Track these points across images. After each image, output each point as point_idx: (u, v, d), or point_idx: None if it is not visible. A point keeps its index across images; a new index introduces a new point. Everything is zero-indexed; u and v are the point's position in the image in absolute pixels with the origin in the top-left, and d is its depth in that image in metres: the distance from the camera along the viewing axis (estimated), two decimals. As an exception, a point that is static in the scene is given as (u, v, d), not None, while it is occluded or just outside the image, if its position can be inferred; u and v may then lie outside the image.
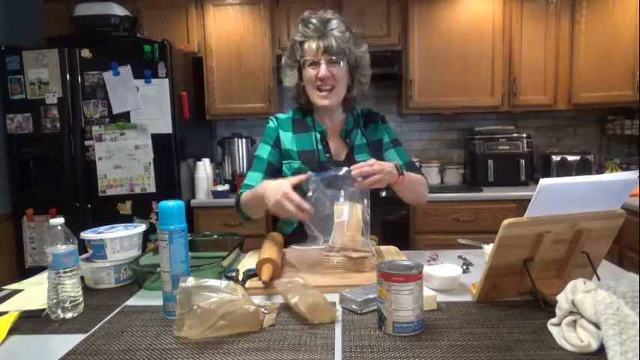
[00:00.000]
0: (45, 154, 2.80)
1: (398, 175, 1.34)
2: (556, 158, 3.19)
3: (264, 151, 1.56)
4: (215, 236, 1.60)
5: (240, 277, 1.20)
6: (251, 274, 1.21)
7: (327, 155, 1.54)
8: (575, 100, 3.10)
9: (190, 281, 0.95)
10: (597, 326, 0.82)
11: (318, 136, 1.55)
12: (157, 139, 2.80)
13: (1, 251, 2.83)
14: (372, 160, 1.29)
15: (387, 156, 1.61)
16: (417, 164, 3.34)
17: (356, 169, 1.26)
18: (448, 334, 0.91)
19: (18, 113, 2.79)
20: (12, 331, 0.98)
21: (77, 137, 2.81)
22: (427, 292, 1.04)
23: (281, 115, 1.63)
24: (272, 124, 1.60)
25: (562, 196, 1.01)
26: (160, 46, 2.75)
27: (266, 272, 1.16)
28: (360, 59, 1.51)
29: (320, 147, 1.54)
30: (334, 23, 1.44)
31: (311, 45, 1.44)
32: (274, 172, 1.54)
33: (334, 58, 1.44)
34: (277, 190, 1.25)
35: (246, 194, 1.47)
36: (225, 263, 1.26)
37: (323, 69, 1.44)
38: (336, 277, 1.23)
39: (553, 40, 3.09)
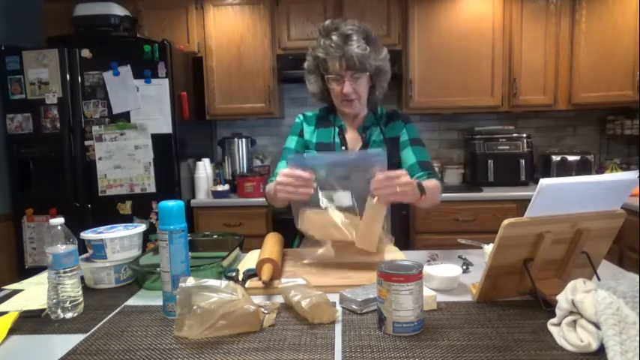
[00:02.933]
0: (45, 154, 2.80)
1: (420, 195, 1.32)
2: (556, 158, 3.19)
3: (291, 141, 1.67)
4: (215, 236, 1.60)
5: (240, 277, 1.20)
6: (251, 274, 1.21)
7: (343, 148, 1.61)
8: (575, 100, 3.10)
9: (190, 281, 0.95)
10: (597, 326, 0.82)
11: (337, 130, 1.63)
12: (157, 139, 2.80)
13: (1, 251, 2.83)
14: (400, 172, 1.23)
15: (403, 155, 1.62)
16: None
17: (385, 189, 1.21)
18: (448, 334, 0.91)
19: (18, 113, 2.79)
20: (12, 331, 0.98)
21: (77, 137, 2.81)
22: (427, 292, 1.04)
23: (308, 113, 1.72)
24: (298, 119, 1.70)
25: (562, 196, 1.01)
26: (160, 46, 2.75)
27: (266, 272, 1.16)
28: (380, 67, 1.54)
29: (337, 140, 1.61)
30: (354, 39, 1.45)
31: (333, 63, 1.48)
32: None
33: (356, 74, 1.49)
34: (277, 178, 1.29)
35: (269, 187, 1.52)
36: (225, 263, 1.26)
37: (347, 86, 1.50)
38: (336, 277, 1.24)
39: (553, 40, 3.09)
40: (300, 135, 1.67)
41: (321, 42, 1.50)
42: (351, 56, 1.45)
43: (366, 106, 1.64)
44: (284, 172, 1.28)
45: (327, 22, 1.52)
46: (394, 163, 1.60)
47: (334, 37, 1.46)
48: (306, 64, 1.59)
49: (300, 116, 1.71)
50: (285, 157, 1.64)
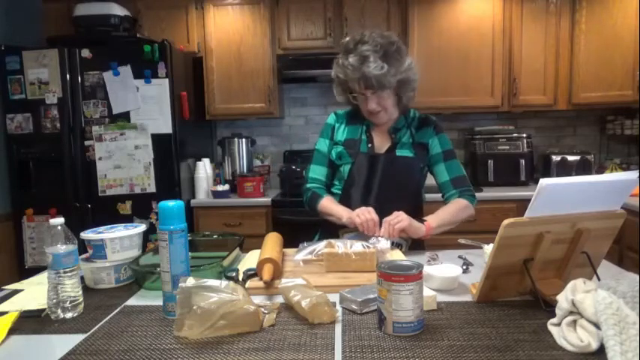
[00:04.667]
0: (45, 154, 2.80)
1: (426, 229, 1.48)
2: (556, 158, 3.19)
3: (323, 144, 1.70)
4: (215, 236, 1.60)
5: (240, 277, 1.20)
6: (251, 273, 1.21)
7: (369, 145, 1.63)
8: (575, 100, 3.10)
9: (190, 281, 0.95)
10: (597, 326, 0.82)
11: (365, 127, 1.65)
12: (156, 139, 2.80)
13: (1, 251, 2.83)
14: (398, 217, 1.43)
15: (436, 170, 1.66)
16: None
17: (385, 232, 1.41)
18: (448, 334, 0.91)
19: (18, 113, 2.79)
20: (12, 331, 0.98)
21: (77, 137, 2.81)
22: (427, 292, 1.04)
23: (340, 111, 1.73)
24: (331, 119, 1.72)
25: (562, 196, 1.01)
26: (159, 46, 2.75)
27: (267, 272, 1.16)
28: (403, 79, 1.54)
29: (364, 137, 1.64)
30: (371, 60, 1.46)
31: (354, 84, 1.51)
32: (332, 164, 1.68)
33: (378, 91, 1.51)
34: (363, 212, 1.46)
35: (322, 206, 1.61)
36: (225, 263, 1.26)
37: (371, 104, 1.53)
38: (336, 277, 1.24)
39: (553, 40, 3.09)
40: (332, 138, 1.69)
41: (340, 62, 1.53)
42: (369, 78, 1.47)
43: (397, 110, 1.64)
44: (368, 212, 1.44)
45: (348, 39, 1.54)
46: (420, 167, 1.64)
47: (351, 60, 1.48)
48: (332, 74, 1.60)
49: (333, 116, 1.72)
50: (320, 162, 1.69)
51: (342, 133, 1.67)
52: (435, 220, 1.52)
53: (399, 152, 1.61)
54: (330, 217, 1.59)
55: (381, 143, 1.64)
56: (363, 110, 1.59)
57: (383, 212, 1.46)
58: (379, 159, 1.60)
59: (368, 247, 1.30)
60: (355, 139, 1.64)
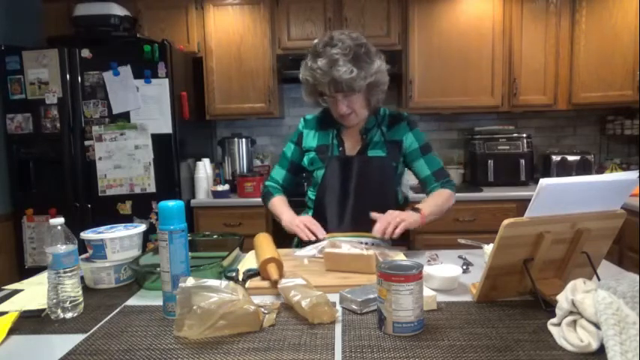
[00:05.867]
0: (45, 154, 2.80)
1: (420, 218, 1.47)
2: (556, 158, 3.19)
3: (288, 149, 1.74)
4: (215, 236, 1.60)
5: (240, 277, 1.20)
6: (251, 274, 1.21)
7: (340, 149, 1.63)
8: (575, 100, 3.10)
9: (190, 281, 0.95)
10: (597, 326, 0.82)
11: (335, 131, 1.65)
12: (157, 139, 2.80)
13: (1, 251, 2.83)
14: (392, 215, 1.42)
15: (416, 167, 1.65)
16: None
17: (379, 232, 1.39)
18: (448, 334, 0.91)
19: (18, 113, 2.79)
20: (12, 331, 0.98)
21: (77, 137, 2.81)
22: (427, 292, 1.04)
23: (309, 116, 1.74)
24: (300, 125, 1.74)
25: (562, 196, 1.01)
26: (159, 46, 2.75)
27: (274, 271, 1.16)
28: (373, 82, 1.52)
29: (335, 142, 1.63)
30: (340, 64, 1.44)
31: (323, 87, 1.50)
32: (296, 168, 1.73)
33: (348, 93, 1.50)
34: (292, 221, 1.54)
35: (272, 204, 1.69)
36: (225, 263, 1.26)
37: (341, 107, 1.53)
38: (336, 277, 1.24)
39: (553, 40, 3.09)
40: (298, 143, 1.70)
41: (308, 65, 1.51)
42: (338, 82, 1.45)
43: (367, 111, 1.62)
44: (305, 221, 1.50)
45: (317, 41, 1.52)
46: (393, 166, 1.62)
47: (320, 63, 1.46)
48: (300, 76, 1.57)
49: (302, 121, 1.73)
50: (281, 164, 1.75)
51: (312, 140, 1.67)
52: (427, 208, 1.52)
53: (370, 152, 1.60)
54: (275, 217, 1.66)
55: (353, 145, 1.63)
56: (334, 113, 1.58)
57: (362, 214, 1.46)
58: (351, 161, 1.59)
59: (368, 249, 1.30)
60: (327, 145, 1.64)
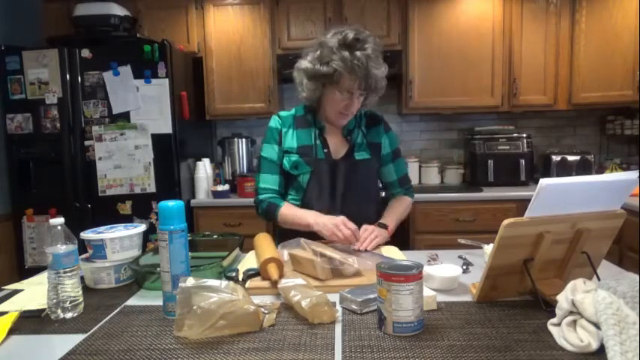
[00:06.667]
0: (45, 154, 2.80)
1: (387, 233, 1.54)
2: (556, 158, 3.19)
3: (272, 151, 1.59)
4: (215, 236, 1.60)
5: (240, 277, 1.20)
6: (251, 274, 1.21)
7: (325, 151, 1.57)
8: (575, 100, 3.10)
9: (190, 281, 0.95)
10: (597, 326, 0.82)
11: (317, 131, 1.58)
12: (157, 139, 2.80)
13: (1, 251, 2.83)
14: (367, 232, 1.44)
15: (384, 171, 1.67)
16: (417, 165, 3.37)
17: (365, 246, 1.41)
18: (448, 334, 0.91)
19: (18, 113, 2.79)
20: (12, 331, 0.98)
21: (77, 137, 2.81)
22: (427, 292, 1.04)
23: (283, 113, 1.64)
24: (275, 123, 1.61)
25: (562, 196, 1.01)
26: (159, 46, 2.75)
27: (274, 271, 1.16)
28: (380, 83, 1.51)
29: (318, 142, 1.57)
30: (373, 62, 1.44)
31: (353, 80, 1.45)
32: (285, 171, 1.60)
33: (365, 93, 1.49)
34: (331, 221, 1.41)
35: (283, 214, 1.53)
36: (225, 263, 1.26)
37: (355, 105, 1.51)
38: (336, 277, 1.23)
39: (553, 40, 3.09)
40: (280, 143, 1.58)
41: (340, 54, 1.42)
42: (372, 78, 1.44)
43: None
44: (348, 225, 1.40)
45: (345, 31, 1.45)
46: (376, 168, 1.64)
47: (359, 55, 1.42)
48: (306, 67, 1.51)
49: (276, 118, 1.61)
50: (271, 170, 1.58)
51: (291, 139, 1.58)
52: (392, 221, 1.58)
53: (357, 155, 1.58)
54: (294, 225, 1.50)
55: (337, 147, 1.59)
56: (334, 109, 1.52)
57: (350, 218, 1.44)
58: (340, 165, 1.55)
59: (341, 262, 1.23)
60: (309, 145, 1.56)
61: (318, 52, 1.49)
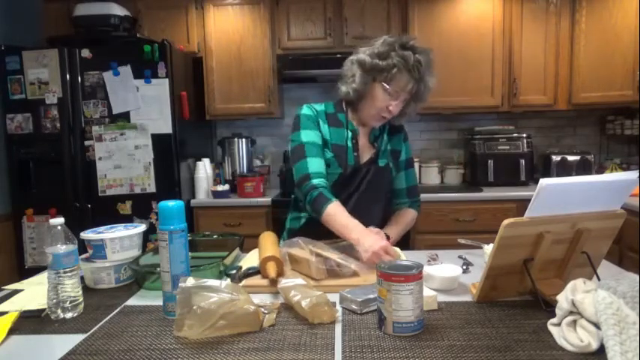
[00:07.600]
0: (45, 154, 2.80)
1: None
2: (556, 158, 3.19)
3: (314, 136, 1.51)
4: (215, 236, 1.60)
5: (237, 276, 1.20)
6: (250, 272, 1.21)
7: (355, 154, 1.56)
8: (575, 100, 3.10)
9: (190, 281, 0.95)
10: (597, 326, 0.82)
11: (350, 134, 1.57)
12: (157, 139, 2.80)
13: (1, 251, 2.83)
14: (382, 248, 1.27)
15: (397, 177, 1.66)
16: (417, 165, 3.37)
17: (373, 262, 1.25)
18: (448, 334, 0.91)
19: (18, 113, 2.79)
20: (12, 331, 0.98)
21: (77, 137, 2.81)
22: (427, 292, 1.04)
23: (316, 106, 1.58)
24: (310, 111, 1.55)
25: (562, 196, 1.01)
26: (159, 46, 2.75)
27: (272, 269, 1.16)
28: (427, 93, 1.52)
29: (350, 145, 1.56)
30: (429, 69, 1.46)
31: (408, 81, 1.45)
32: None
33: (410, 98, 1.50)
34: (373, 247, 1.25)
35: (332, 214, 1.37)
36: (225, 263, 1.26)
37: (397, 107, 1.48)
38: (336, 277, 1.23)
39: (553, 40, 3.09)
40: (320, 130, 1.53)
41: (401, 52, 1.43)
42: (423, 84, 1.47)
43: None
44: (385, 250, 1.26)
45: (409, 39, 1.48)
46: (394, 174, 1.64)
47: (419, 57, 1.44)
48: (363, 60, 1.46)
49: (310, 108, 1.56)
50: (315, 154, 1.48)
51: (327, 133, 1.54)
52: (395, 233, 1.57)
53: (380, 162, 1.58)
54: (334, 230, 1.38)
55: (364, 152, 1.59)
56: (375, 107, 1.48)
57: (356, 217, 1.39)
58: (365, 170, 1.55)
59: (338, 264, 1.22)
60: (343, 147, 1.54)
61: (378, 48, 1.46)
